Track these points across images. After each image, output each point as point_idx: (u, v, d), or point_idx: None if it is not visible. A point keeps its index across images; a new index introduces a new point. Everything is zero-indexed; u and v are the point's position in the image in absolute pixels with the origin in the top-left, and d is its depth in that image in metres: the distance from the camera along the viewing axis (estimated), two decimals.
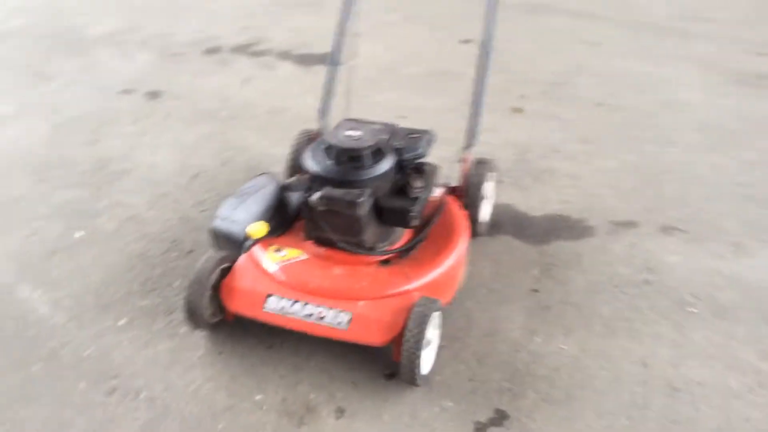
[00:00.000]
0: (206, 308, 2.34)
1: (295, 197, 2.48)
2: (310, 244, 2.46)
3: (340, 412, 2.19)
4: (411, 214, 2.35)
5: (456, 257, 2.46)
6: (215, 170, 3.51)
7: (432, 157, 2.57)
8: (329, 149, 2.35)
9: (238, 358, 2.38)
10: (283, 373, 2.32)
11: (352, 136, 2.34)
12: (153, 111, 4.15)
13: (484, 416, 2.15)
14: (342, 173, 2.31)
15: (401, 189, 2.41)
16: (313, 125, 2.99)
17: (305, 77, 4.46)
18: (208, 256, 2.41)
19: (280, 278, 2.36)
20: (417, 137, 2.50)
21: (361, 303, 2.26)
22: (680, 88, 4.28)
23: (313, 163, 2.37)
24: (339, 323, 2.23)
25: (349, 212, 2.25)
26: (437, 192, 2.66)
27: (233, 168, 3.51)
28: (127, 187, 3.41)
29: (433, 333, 2.25)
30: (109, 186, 3.42)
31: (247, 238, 2.38)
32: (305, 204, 2.35)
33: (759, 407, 2.16)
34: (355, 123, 2.44)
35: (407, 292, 2.30)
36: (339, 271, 2.39)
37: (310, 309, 2.27)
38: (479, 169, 2.81)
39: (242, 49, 4.97)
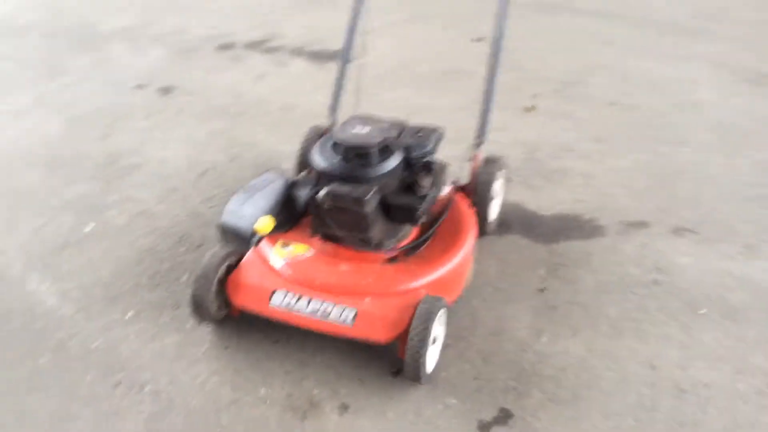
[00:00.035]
0: (212, 303, 2.35)
1: (303, 193, 2.48)
2: (316, 240, 2.46)
3: (344, 408, 2.19)
4: (418, 211, 2.34)
5: (463, 256, 2.45)
6: (225, 166, 3.52)
7: (442, 155, 2.56)
8: (337, 146, 2.35)
9: (244, 352, 2.39)
10: (288, 369, 2.32)
11: (359, 132, 2.33)
12: (165, 106, 4.17)
13: (488, 415, 2.14)
14: (349, 170, 2.30)
15: (409, 186, 2.40)
16: (324, 122, 2.99)
17: (317, 74, 4.46)
18: (215, 251, 2.41)
19: (286, 274, 2.36)
20: (425, 135, 2.49)
21: (366, 300, 2.26)
22: (694, 87, 4.24)
23: (320, 159, 2.37)
24: (344, 320, 2.22)
25: (355, 209, 2.24)
26: (446, 190, 2.65)
27: (243, 164, 3.52)
28: (137, 181, 3.43)
29: (438, 331, 2.24)
30: (120, 180, 3.44)
31: (254, 233, 2.39)
32: (312, 200, 2.35)
33: (767, 410, 2.13)
34: (364, 120, 2.44)
35: (413, 289, 2.30)
36: (345, 267, 2.38)
37: (315, 305, 2.26)
38: (488, 167, 2.80)
39: (255, 46, 4.98)
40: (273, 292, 2.32)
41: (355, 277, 2.34)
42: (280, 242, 2.46)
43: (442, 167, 2.55)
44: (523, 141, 3.67)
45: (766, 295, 2.59)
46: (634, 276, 2.70)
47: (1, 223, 3.13)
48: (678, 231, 2.95)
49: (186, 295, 2.55)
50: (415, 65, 4.64)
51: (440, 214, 2.59)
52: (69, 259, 2.88)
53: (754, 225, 2.98)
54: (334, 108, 2.95)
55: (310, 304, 2.27)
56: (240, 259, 2.44)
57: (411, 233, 2.52)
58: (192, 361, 2.37)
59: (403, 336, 2.15)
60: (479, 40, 4.67)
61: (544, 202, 3.17)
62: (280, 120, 3.96)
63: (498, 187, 2.89)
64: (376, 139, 2.30)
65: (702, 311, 2.52)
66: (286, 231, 2.50)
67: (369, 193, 2.22)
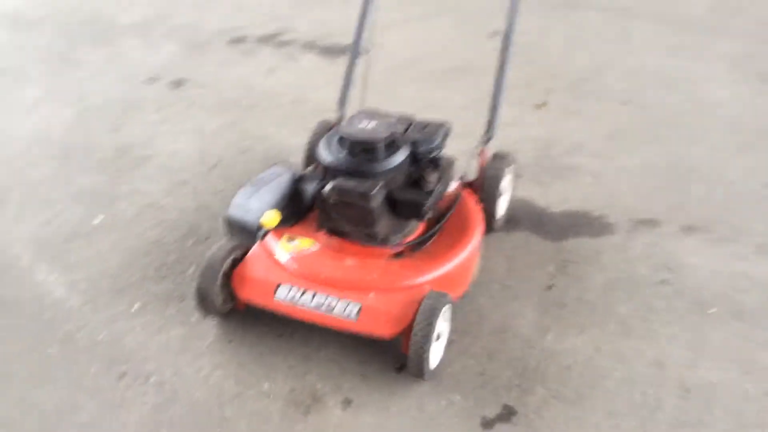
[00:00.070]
0: (217, 296, 2.35)
1: (310, 187, 2.47)
2: (322, 235, 2.46)
3: (347, 402, 2.18)
4: (424, 207, 2.33)
5: (469, 252, 2.44)
6: (234, 159, 3.52)
7: (453, 150, 2.55)
8: (343, 140, 2.34)
9: (248, 346, 2.39)
10: (292, 363, 2.32)
11: (366, 127, 2.32)
12: (176, 99, 4.18)
13: (491, 412, 2.13)
14: (355, 164, 2.29)
15: (416, 182, 2.39)
16: (333, 116, 2.98)
17: (329, 68, 4.44)
18: (221, 244, 2.42)
19: (291, 268, 2.36)
20: (433, 130, 2.47)
21: (371, 295, 2.25)
22: (710, 86, 4.18)
23: (326, 153, 2.36)
24: (348, 314, 2.22)
25: (361, 204, 2.24)
26: (453, 185, 2.64)
27: (252, 157, 3.52)
28: (147, 174, 3.44)
29: (442, 327, 2.24)
30: (130, 173, 3.45)
31: (260, 227, 2.39)
32: (318, 195, 2.34)
33: None
34: (371, 114, 2.43)
35: (418, 285, 2.29)
36: (350, 262, 2.38)
37: (319, 299, 2.26)
38: (497, 163, 2.78)
39: (268, 40, 4.97)
40: (278, 286, 2.32)
41: (360, 272, 2.33)
42: (285, 236, 2.46)
43: (450, 163, 2.53)
44: (534, 137, 3.64)
45: None
46: (643, 275, 2.67)
47: (11, 214, 3.15)
48: (689, 230, 2.91)
49: (192, 288, 2.56)
50: (428, 60, 4.61)
51: (447, 209, 2.57)
52: (77, 251, 2.90)
53: (767, 225, 2.94)
54: (342, 102, 2.93)
55: (315, 298, 2.27)
56: (246, 253, 2.44)
57: (417, 229, 2.51)
58: (196, 354, 2.38)
59: (407, 331, 2.14)
60: (494, 35, 4.63)
61: (554, 198, 3.15)
62: (290, 114, 3.95)
63: (506, 183, 2.87)
64: (383, 134, 2.29)
65: (711, 311, 2.49)
66: (293, 225, 2.50)
67: (375, 188, 2.22)
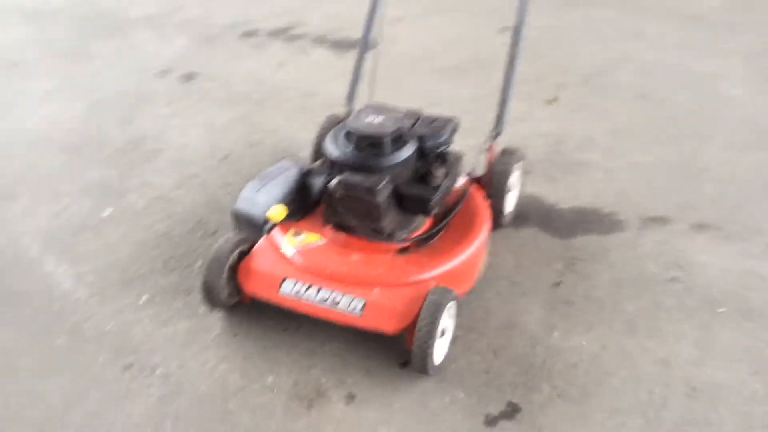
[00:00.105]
0: (223, 289, 2.36)
1: (317, 182, 2.48)
2: (328, 230, 2.45)
3: (350, 397, 2.18)
4: (431, 202, 2.32)
5: (475, 248, 2.42)
6: (244, 153, 3.52)
7: (462, 145, 2.54)
8: (350, 135, 2.33)
9: (253, 339, 2.39)
10: (296, 357, 2.32)
11: (373, 122, 2.32)
12: (187, 93, 4.19)
13: (495, 409, 2.12)
14: (361, 159, 2.29)
15: (423, 177, 2.38)
16: (342, 110, 2.97)
17: (339, 63, 4.43)
18: (227, 237, 2.42)
19: (296, 262, 2.36)
20: (440, 125, 2.46)
21: (375, 290, 2.25)
22: (725, 82, 4.14)
23: (333, 148, 2.36)
24: (353, 309, 2.21)
25: (367, 198, 2.23)
26: (461, 181, 2.62)
27: (261, 151, 3.52)
28: (157, 167, 3.45)
29: (447, 323, 2.22)
30: (140, 165, 3.46)
31: (266, 220, 2.39)
32: (325, 189, 2.34)
33: None
34: (378, 109, 2.42)
35: (423, 281, 2.28)
36: (356, 257, 2.37)
37: (324, 294, 2.26)
38: (505, 158, 2.76)
39: (279, 34, 4.98)
40: (283, 280, 2.32)
41: (366, 267, 2.33)
42: (291, 230, 2.46)
43: (457, 158, 2.52)
44: (545, 133, 3.62)
45: None
46: (653, 272, 2.65)
47: (20, 207, 3.17)
48: (700, 228, 2.88)
49: (199, 281, 2.57)
50: (440, 55, 4.59)
51: (454, 205, 2.56)
52: (86, 243, 2.91)
53: None
54: (350, 97, 2.93)
55: (320, 292, 2.27)
56: (252, 247, 2.44)
57: (424, 224, 2.50)
58: (202, 347, 2.38)
59: (411, 327, 2.13)
60: (505, 30, 4.60)
61: (564, 195, 3.12)
62: (300, 107, 3.95)
63: (515, 179, 2.85)
64: (389, 128, 2.28)
65: (721, 310, 2.46)
66: (299, 219, 2.50)
67: (381, 183, 2.21)
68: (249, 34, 4.99)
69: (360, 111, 2.41)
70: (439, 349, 2.20)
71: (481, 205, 2.61)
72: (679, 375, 2.21)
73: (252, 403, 2.17)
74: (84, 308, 2.57)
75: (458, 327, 2.35)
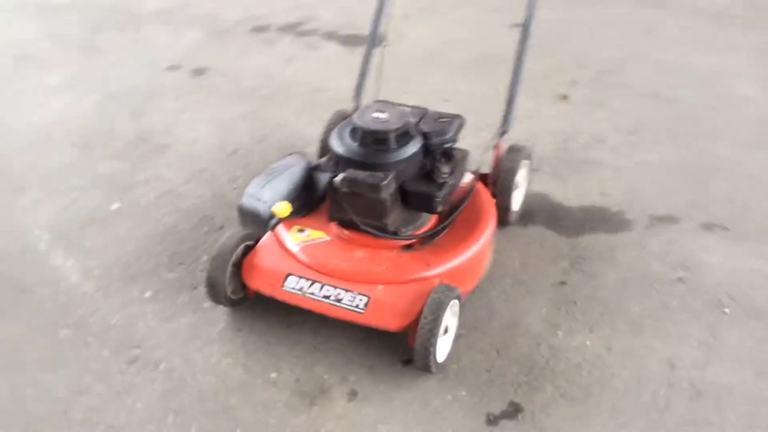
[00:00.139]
0: (227, 284, 2.36)
1: (323, 178, 2.47)
2: (333, 226, 2.45)
3: (352, 394, 2.18)
4: (436, 199, 2.31)
5: (480, 246, 2.41)
6: (252, 148, 3.53)
7: (470, 143, 2.52)
8: (355, 131, 2.32)
9: (257, 335, 2.40)
10: (299, 353, 2.33)
11: (378, 118, 2.31)
12: (197, 87, 4.20)
13: (497, 408, 2.11)
14: (366, 155, 2.28)
15: (428, 174, 2.37)
16: (350, 106, 2.96)
17: (348, 58, 4.42)
18: (232, 232, 2.42)
19: (300, 258, 2.36)
20: (447, 122, 2.45)
21: (379, 287, 2.24)
22: (739, 81, 4.09)
23: (338, 144, 2.35)
24: (356, 306, 2.21)
25: (371, 195, 2.23)
26: (467, 178, 2.61)
27: (269, 146, 3.53)
28: (166, 161, 3.46)
29: (450, 321, 2.22)
30: (149, 160, 3.48)
31: (272, 216, 2.39)
32: (330, 185, 2.34)
33: None
34: (384, 105, 2.41)
35: (427, 278, 2.27)
36: (360, 254, 2.37)
37: (328, 290, 2.26)
38: (512, 156, 2.75)
39: (290, 29, 4.97)
40: (287, 276, 2.32)
41: (369, 264, 2.32)
42: (296, 227, 2.46)
43: (463, 155, 2.50)
44: (554, 130, 3.60)
45: None
46: (659, 272, 2.63)
47: (30, 200, 3.19)
48: (708, 228, 2.85)
49: (204, 276, 2.58)
50: (450, 51, 4.57)
51: (460, 202, 2.54)
52: (93, 237, 2.93)
53: None
54: (358, 93, 2.92)
55: (323, 289, 2.26)
56: (257, 242, 2.44)
57: (429, 221, 2.49)
58: (206, 342, 2.39)
59: (413, 325, 2.13)
60: (515, 26, 4.57)
61: (571, 193, 3.11)
62: (309, 103, 3.95)
63: (521, 177, 2.83)
64: (394, 124, 2.27)
65: (727, 311, 2.44)
66: (304, 215, 2.50)
67: (385, 180, 2.20)
68: (260, 29, 4.99)
69: (366, 107, 2.40)
70: (442, 348, 2.20)
71: (487, 202, 2.59)
72: (684, 376, 2.19)
73: (254, 399, 2.17)
74: (90, 302, 2.59)
75: (462, 325, 2.35)
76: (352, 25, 4.94)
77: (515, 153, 2.76)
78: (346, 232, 2.42)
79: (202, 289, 2.54)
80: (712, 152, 3.40)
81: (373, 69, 2.93)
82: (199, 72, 4.36)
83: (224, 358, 2.32)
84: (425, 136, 2.37)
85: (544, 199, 3.07)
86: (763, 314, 2.42)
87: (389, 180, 2.22)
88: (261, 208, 2.43)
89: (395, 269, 2.30)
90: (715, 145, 3.45)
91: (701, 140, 3.50)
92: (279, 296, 2.31)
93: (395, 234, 2.37)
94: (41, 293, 2.64)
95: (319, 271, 2.31)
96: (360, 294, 2.22)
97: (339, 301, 2.23)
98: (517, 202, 2.85)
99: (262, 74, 4.31)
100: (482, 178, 2.73)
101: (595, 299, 2.51)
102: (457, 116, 2.50)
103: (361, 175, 2.23)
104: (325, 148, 2.90)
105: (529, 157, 2.88)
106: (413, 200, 2.35)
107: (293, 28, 4.98)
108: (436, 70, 4.30)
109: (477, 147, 2.68)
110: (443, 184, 2.34)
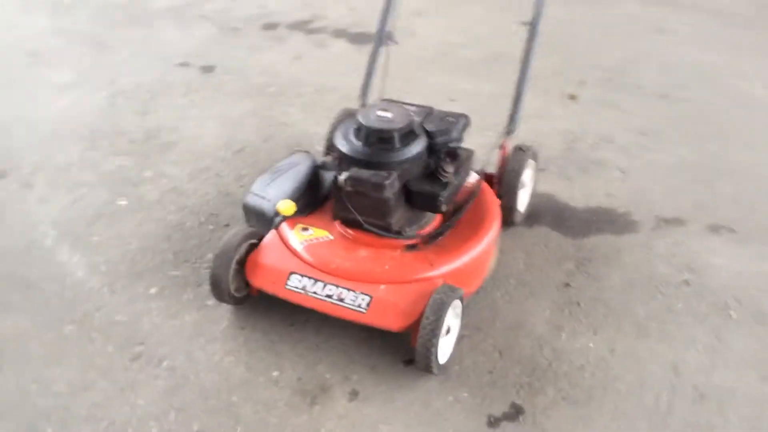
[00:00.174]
0: (231, 282, 2.36)
1: (328, 176, 2.47)
2: (337, 225, 2.45)
3: (354, 394, 2.18)
4: (440, 199, 2.30)
5: (484, 246, 2.40)
6: (258, 146, 3.53)
7: (476, 142, 2.51)
8: (359, 129, 2.32)
9: (260, 333, 2.40)
10: (301, 352, 2.33)
11: (383, 116, 2.30)
12: (205, 84, 4.20)
13: (498, 410, 2.11)
14: (370, 154, 2.27)
15: (432, 173, 2.36)
16: (357, 105, 2.96)
17: (357, 56, 4.41)
18: (236, 230, 2.43)
19: (304, 257, 2.36)
20: (452, 121, 2.44)
21: (381, 287, 2.24)
22: (750, 83, 4.05)
23: (343, 142, 2.35)
24: (358, 305, 2.21)
25: (375, 194, 2.22)
26: (472, 178, 2.60)
27: (275, 145, 3.52)
28: (172, 158, 3.47)
29: (452, 322, 2.21)
30: (156, 156, 3.48)
31: (276, 214, 2.39)
32: (334, 184, 2.34)
33: None
34: (389, 104, 2.41)
35: (429, 278, 2.26)
36: (363, 253, 2.37)
37: (330, 289, 2.26)
38: (518, 156, 2.74)
39: (300, 26, 4.97)
40: (290, 274, 2.32)
41: (372, 264, 2.32)
42: (300, 225, 2.46)
43: (468, 155, 2.49)
44: (563, 130, 3.58)
45: None
46: (665, 275, 2.61)
47: (37, 196, 3.20)
48: (715, 230, 2.84)
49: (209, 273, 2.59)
50: (459, 49, 4.56)
51: (465, 202, 2.54)
52: (100, 233, 2.94)
53: None
54: (364, 91, 2.91)
55: (326, 288, 2.26)
56: (261, 240, 2.45)
57: (433, 221, 2.49)
58: (209, 339, 2.40)
59: (415, 325, 2.13)
60: (524, 25, 4.55)
61: (578, 193, 3.09)
62: (316, 101, 3.95)
63: (527, 177, 2.82)
64: (399, 123, 2.27)
65: (733, 314, 2.43)
66: (309, 214, 2.50)
67: (389, 179, 2.20)
68: (270, 26, 4.99)
69: (371, 105, 2.41)
70: (444, 348, 2.19)
71: (492, 202, 2.59)
72: (688, 380, 2.18)
73: (256, 397, 2.18)
74: (96, 298, 2.60)
75: (465, 326, 2.34)
76: (360, 23, 4.93)
77: (521, 153, 2.75)
78: (349, 231, 2.42)
79: (207, 287, 2.54)
80: (721, 154, 3.38)
81: (380, 68, 2.92)
82: (208, 69, 4.37)
83: (227, 355, 2.33)
84: (430, 135, 2.36)
85: (551, 199, 3.05)
86: None
87: (393, 179, 2.21)
88: (266, 206, 2.44)
89: (398, 269, 2.30)
90: (722, 147, 3.43)
91: (711, 141, 3.48)
92: (282, 295, 2.31)
93: (399, 233, 2.37)
94: (47, 289, 2.65)
95: (322, 270, 2.31)
96: (362, 293, 2.22)
97: (341, 300, 2.23)
98: (523, 202, 2.84)
99: (269, 72, 4.31)
100: (487, 178, 2.72)
101: (600, 301, 2.50)
102: (462, 115, 2.49)
103: (365, 174, 2.23)
104: (331, 147, 2.90)
105: (535, 157, 2.86)
106: (417, 200, 2.34)
107: (302, 26, 4.97)
108: (443, 69, 4.29)
109: (482, 147, 2.67)
110: (447, 183, 2.33)
